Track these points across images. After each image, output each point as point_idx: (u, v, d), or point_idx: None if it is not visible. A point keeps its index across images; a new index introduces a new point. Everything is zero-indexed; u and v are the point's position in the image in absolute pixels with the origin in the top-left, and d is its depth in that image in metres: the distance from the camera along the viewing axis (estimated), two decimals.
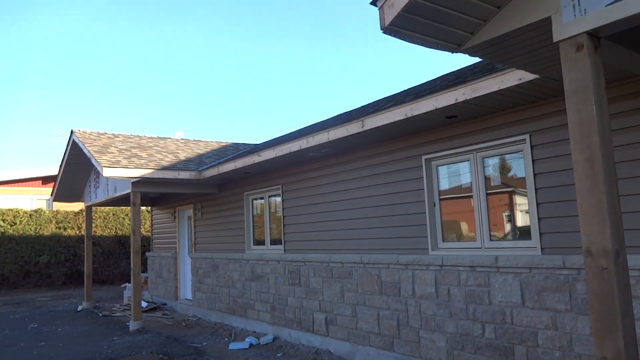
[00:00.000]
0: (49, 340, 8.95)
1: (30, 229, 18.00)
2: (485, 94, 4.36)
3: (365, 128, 5.60)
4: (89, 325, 10.45)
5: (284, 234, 8.20)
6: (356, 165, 6.77)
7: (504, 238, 5.09)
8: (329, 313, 7.06)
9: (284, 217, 8.21)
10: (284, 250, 8.16)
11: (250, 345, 7.88)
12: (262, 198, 9.11)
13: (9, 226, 17.62)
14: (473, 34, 3.00)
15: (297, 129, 10.10)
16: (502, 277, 4.85)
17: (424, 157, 5.78)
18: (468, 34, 3.01)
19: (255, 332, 8.70)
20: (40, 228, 18.26)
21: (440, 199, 5.70)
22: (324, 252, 7.26)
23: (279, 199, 8.48)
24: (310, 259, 7.44)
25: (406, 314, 5.84)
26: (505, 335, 4.79)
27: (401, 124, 5.37)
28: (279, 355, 7.19)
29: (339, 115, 8.82)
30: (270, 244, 8.75)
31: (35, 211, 18.72)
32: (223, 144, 12.78)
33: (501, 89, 4.23)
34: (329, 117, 9.47)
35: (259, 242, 9.14)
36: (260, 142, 12.22)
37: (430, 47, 3.18)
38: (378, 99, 8.27)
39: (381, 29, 2.86)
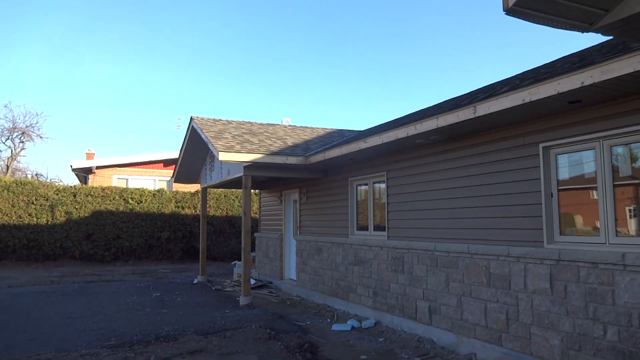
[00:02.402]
0: (170, 308, 9.86)
1: (153, 207, 19.83)
2: (618, 77, 3.99)
3: (478, 114, 5.40)
4: (203, 297, 11.32)
5: (387, 220, 8.21)
6: (465, 152, 6.56)
7: (634, 234, 4.66)
8: (432, 302, 6.98)
9: (388, 203, 8.22)
10: (388, 236, 8.18)
11: (352, 327, 8.04)
12: (366, 184, 9.18)
13: (136, 204, 19.56)
14: (608, 11, 2.77)
15: (401, 116, 9.99)
16: (629, 277, 4.46)
17: (541, 145, 5.45)
18: (602, 12, 2.78)
19: (357, 315, 8.86)
20: (162, 207, 20.03)
21: (558, 190, 5.35)
22: (428, 240, 7.17)
23: (383, 186, 8.49)
24: (414, 247, 7.38)
25: (516, 308, 5.60)
26: (631, 339, 4.41)
27: (517, 110, 5.10)
28: (381, 340, 7.26)
29: (446, 101, 8.58)
30: (374, 230, 8.81)
31: (158, 191, 20.56)
32: (328, 130, 13.03)
33: (637, 71, 3.84)
34: (435, 104, 9.25)
35: (363, 227, 9.24)
36: (364, 129, 12.26)
37: (557, 27, 2.99)
38: (487, 84, 7.91)
39: (504, 11, 2.74)
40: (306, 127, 13.39)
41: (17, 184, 18.59)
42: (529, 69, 6.99)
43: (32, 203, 18.23)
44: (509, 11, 2.74)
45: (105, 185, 21.42)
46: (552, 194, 5.39)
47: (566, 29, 2.97)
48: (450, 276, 6.65)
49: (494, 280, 5.93)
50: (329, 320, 8.78)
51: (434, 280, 6.97)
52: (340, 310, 9.43)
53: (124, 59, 59.26)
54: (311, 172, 10.51)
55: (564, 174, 5.34)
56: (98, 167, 24.19)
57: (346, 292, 9.34)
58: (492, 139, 6.12)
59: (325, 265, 10.21)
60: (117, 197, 19.44)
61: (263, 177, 12.42)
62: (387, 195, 8.23)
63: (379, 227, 8.68)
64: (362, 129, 12.55)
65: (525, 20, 2.86)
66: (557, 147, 5.35)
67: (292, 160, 9.68)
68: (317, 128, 13.34)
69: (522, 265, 5.55)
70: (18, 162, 34.84)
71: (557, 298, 5.12)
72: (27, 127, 33.19)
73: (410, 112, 9.86)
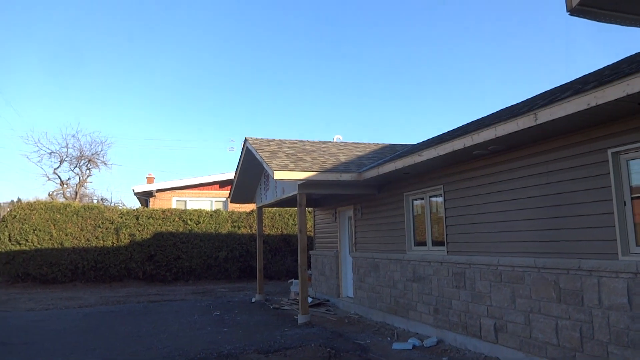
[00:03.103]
0: (230, 327, 9.99)
1: (211, 227, 20.34)
2: None
3: (539, 121, 5.19)
4: (262, 315, 11.41)
5: (446, 235, 8.00)
6: (526, 162, 6.31)
7: None
8: (497, 319, 6.69)
9: (446, 217, 8.01)
10: (447, 251, 7.96)
11: (414, 346, 7.83)
12: (422, 198, 9.01)
13: (194, 225, 20.14)
14: None
15: (455, 127, 9.78)
16: None
17: (610, 151, 5.15)
18: None
19: (417, 333, 8.63)
20: (219, 227, 20.51)
21: (632, 198, 5.02)
22: (490, 254, 6.91)
23: (440, 199, 8.30)
24: (476, 262, 7.13)
25: (590, 325, 5.26)
26: None
27: (582, 115, 4.86)
28: (444, 359, 7.02)
29: (501, 110, 8.32)
30: (432, 245, 8.60)
31: (215, 212, 21.10)
32: (380, 146, 12.95)
33: None
34: (490, 113, 8.99)
35: (420, 243, 9.05)
36: (417, 142, 12.10)
37: (624, 25, 2.84)
38: (546, 90, 7.60)
39: (567, 11, 2.63)
40: (358, 143, 13.38)
41: (84, 208, 19.64)
42: (588, 72, 6.68)
43: (99, 226, 19.16)
44: (573, 11, 2.63)
45: (165, 207, 22.23)
46: (624, 202, 5.07)
47: (636, 25, 2.81)
48: (516, 292, 6.35)
49: (564, 296, 5.61)
50: (388, 338, 8.60)
51: (498, 296, 6.69)
52: (400, 328, 9.22)
53: (180, 85, 61.87)
54: (365, 188, 10.44)
55: (638, 180, 5.01)
56: (158, 191, 25.16)
57: (405, 309, 9.14)
58: (555, 147, 5.86)
59: (383, 282, 10.05)
60: (176, 219, 20.10)
61: (317, 195, 12.47)
62: (445, 209, 8.03)
63: (437, 242, 8.47)
64: (415, 143, 12.39)
65: (591, 19, 2.74)
66: (628, 153, 5.05)
67: (345, 176, 9.67)
68: (369, 144, 13.30)
69: (595, 279, 5.23)
70: (85, 188, 36.84)
71: (637, 314, 4.77)
72: (92, 154, 35.11)
73: (462, 124, 9.64)
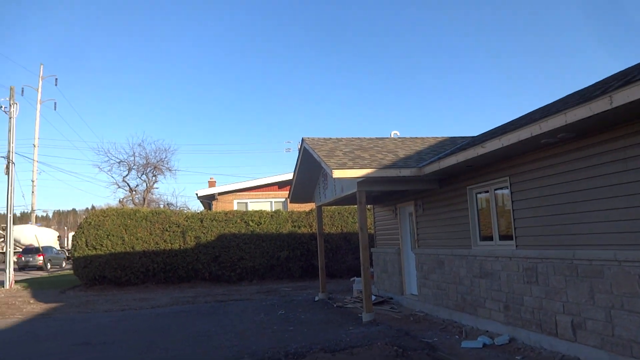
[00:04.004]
0: (295, 325, 10.08)
1: (272, 228, 20.67)
2: None
3: (615, 104, 4.84)
4: (325, 314, 11.45)
5: (514, 228, 7.66)
6: (601, 148, 5.92)
7: None
8: (575, 316, 6.32)
9: (513, 210, 7.67)
10: (516, 245, 7.62)
11: (484, 344, 7.56)
12: (486, 191, 8.69)
13: (256, 226, 20.54)
14: None
15: (522, 115, 9.35)
16: None
17: None
18: None
19: (487, 331, 8.33)
20: (280, 227, 20.80)
21: None
22: (564, 247, 6.54)
23: (506, 192, 7.97)
24: (548, 256, 6.78)
25: None
26: None
27: None
28: (518, 358, 6.73)
29: (569, 95, 7.86)
30: (499, 240, 8.28)
31: (275, 212, 21.43)
32: (439, 139, 12.64)
33: None
34: (552, 101, 8.52)
35: (486, 237, 8.73)
36: (477, 134, 11.69)
37: None
38: (618, 71, 7.09)
39: None
40: (416, 137, 13.12)
41: (152, 213, 20.53)
42: None
43: (167, 230, 19.96)
44: None
45: (227, 209, 22.83)
46: None
47: None
48: (595, 287, 5.98)
49: None
50: (457, 336, 8.36)
51: (574, 292, 6.32)
52: (468, 325, 8.95)
53: (237, 91, 63.36)
54: (426, 183, 10.21)
55: None
56: (220, 194, 25.91)
57: (473, 306, 8.85)
58: (634, 131, 5.45)
59: (449, 278, 9.79)
60: (238, 220, 20.58)
61: (376, 192, 12.34)
62: (512, 202, 7.69)
63: (504, 237, 8.13)
64: (475, 135, 11.98)
65: None
66: None
67: (405, 172, 9.50)
68: (428, 138, 13.00)
69: None
70: (152, 193, 38.56)
71: None
72: (158, 161, 36.67)
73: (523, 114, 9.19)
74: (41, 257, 35.18)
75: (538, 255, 7.00)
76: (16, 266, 35.42)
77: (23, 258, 35.32)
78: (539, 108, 8.76)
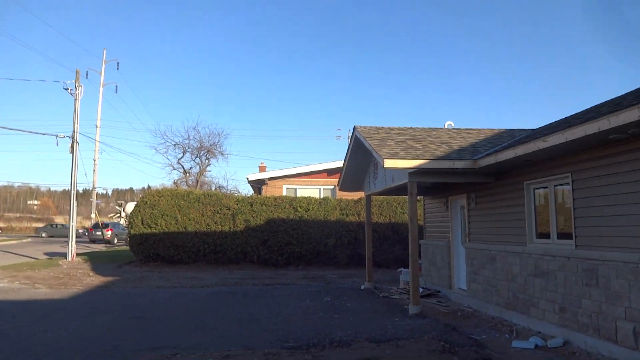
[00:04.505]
0: (341, 313, 10.11)
1: (320, 214, 20.76)
2: None
3: None
4: (371, 303, 11.41)
5: (574, 227, 7.30)
6: None
7: None
8: (637, 323, 5.97)
9: (574, 208, 7.31)
10: (575, 245, 7.27)
11: (536, 346, 7.30)
12: (545, 187, 8.32)
13: (304, 212, 20.69)
14: None
15: (586, 108, 8.84)
16: None
17: None
18: None
19: (540, 332, 8.03)
20: (327, 214, 20.86)
21: None
22: (629, 250, 6.17)
23: (567, 188, 7.60)
24: (611, 258, 6.42)
25: None
26: None
27: None
28: None
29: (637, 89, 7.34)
30: (557, 238, 7.92)
31: (323, 199, 21.50)
32: (496, 131, 12.20)
33: None
34: (625, 93, 7.99)
35: (543, 235, 8.38)
36: (537, 127, 11.19)
37: None
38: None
39: None
40: (471, 129, 12.73)
41: (205, 196, 21.08)
42: None
43: (217, 212, 20.46)
44: None
45: (276, 194, 23.12)
46: None
47: None
48: None
49: None
50: (507, 335, 8.12)
51: (638, 297, 5.96)
52: (519, 325, 8.66)
53: (290, 77, 63.73)
54: (480, 176, 9.90)
55: None
56: (270, 179, 26.25)
57: (526, 305, 8.55)
58: None
59: (500, 275, 9.50)
60: (287, 206, 20.80)
61: (427, 183, 12.11)
62: (574, 200, 7.32)
63: (563, 235, 7.77)
64: (535, 128, 11.48)
65: None
66: None
67: (459, 164, 9.24)
68: (484, 129, 12.58)
69: None
70: (204, 176, 39.64)
71: None
72: (211, 145, 37.59)
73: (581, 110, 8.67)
74: (109, 232, 38.82)
75: (599, 257, 6.65)
76: (88, 239, 39.25)
77: (94, 232, 39.24)
78: (607, 101, 8.26)
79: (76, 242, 24.64)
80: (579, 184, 7.25)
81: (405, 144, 10.59)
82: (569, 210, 7.53)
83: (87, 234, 42.26)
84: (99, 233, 38.68)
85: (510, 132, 11.95)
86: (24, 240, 43.40)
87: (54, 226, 57.37)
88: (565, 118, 9.19)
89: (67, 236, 24.43)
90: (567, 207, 7.62)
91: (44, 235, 53.23)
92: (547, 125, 10.25)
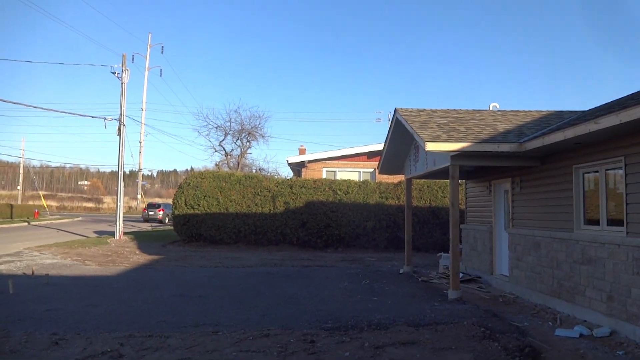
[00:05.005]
0: (379, 296, 10.10)
1: (359, 197, 20.70)
2: None
3: None
4: (410, 287, 11.34)
5: (626, 214, 6.97)
6: None
7: None
8: None
9: (627, 194, 6.96)
10: (627, 232, 6.95)
11: (581, 334, 7.07)
12: (595, 171, 7.97)
13: (343, 195, 20.68)
14: None
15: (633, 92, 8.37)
16: None
17: None
18: None
19: (585, 321, 7.78)
20: (367, 197, 20.77)
21: None
22: None
23: (620, 172, 7.24)
24: None
25: None
26: None
27: None
28: (620, 353, 6.22)
29: None
30: (607, 225, 7.59)
31: (363, 182, 21.41)
32: (544, 113, 11.73)
33: None
34: None
35: (591, 221, 8.05)
36: (588, 109, 10.70)
37: None
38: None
39: None
40: (518, 111, 12.29)
41: (245, 178, 21.39)
42: None
43: (258, 194, 20.73)
44: None
45: (316, 177, 23.18)
46: None
47: None
48: None
49: None
50: (550, 323, 7.90)
51: None
52: (564, 313, 8.41)
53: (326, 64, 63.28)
54: (525, 159, 9.58)
55: None
56: (309, 162, 26.33)
57: (571, 293, 8.28)
58: None
59: (544, 262, 9.22)
60: (326, 189, 20.83)
61: (469, 167, 11.84)
62: (626, 185, 6.98)
63: (613, 222, 7.44)
64: (585, 110, 10.98)
65: None
66: None
67: (504, 147, 8.96)
68: (531, 111, 12.12)
69: None
70: (245, 158, 40.17)
71: None
72: (252, 128, 37.98)
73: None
74: (161, 212, 41.26)
75: None
76: (142, 218, 40.78)
77: (147, 212, 41.71)
78: None
79: (123, 220, 25.57)
80: (632, 168, 6.89)
81: (448, 126, 10.35)
82: (620, 196, 7.19)
83: (142, 214, 44.42)
84: (152, 213, 40.90)
85: (559, 114, 11.48)
86: (76, 219, 45.43)
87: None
88: (619, 99, 8.74)
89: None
90: (619, 193, 7.27)
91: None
92: (598, 106, 9.78)
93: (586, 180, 8.30)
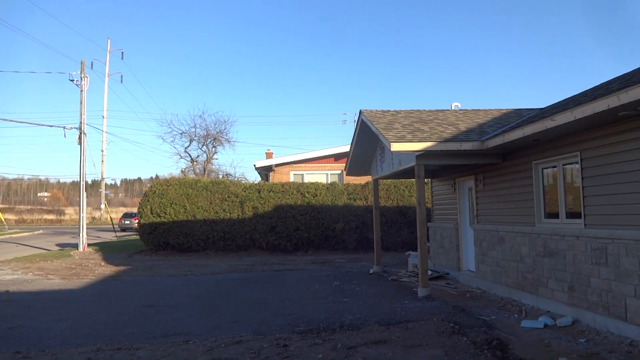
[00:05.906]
0: (350, 297, 10.17)
1: (327, 200, 20.78)
2: None
3: None
4: (380, 287, 11.46)
5: (583, 206, 7.26)
6: None
7: None
8: None
9: (583, 187, 7.25)
10: (584, 224, 7.23)
11: (545, 325, 7.32)
12: (554, 166, 8.26)
13: (312, 197, 20.72)
14: None
15: (590, 87, 8.73)
16: None
17: None
18: None
19: (549, 311, 8.05)
20: (335, 199, 20.88)
21: None
22: (639, 228, 6.13)
23: (576, 167, 7.54)
24: (620, 236, 6.39)
25: None
26: None
27: None
28: (582, 341, 6.46)
29: None
30: (566, 218, 7.88)
31: (331, 184, 21.50)
32: (504, 111, 12.08)
33: None
34: (633, 69, 7.88)
35: (552, 215, 8.34)
36: (546, 106, 11.08)
37: None
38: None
39: None
40: (479, 109, 12.62)
41: (212, 183, 21.16)
42: None
43: (225, 200, 20.54)
44: None
45: (283, 181, 23.15)
46: None
47: None
48: None
49: None
50: (516, 315, 8.14)
51: None
52: (528, 305, 8.68)
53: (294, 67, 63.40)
54: (488, 157, 9.84)
55: None
56: (277, 165, 26.27)
57: (535, 285, 8.55)
58: None
59: (509, 256, 9.49)
60: (294, 192, 20.83)
61: (434, 166, 12.06)
62: (582, 179, 7.27)
63: (572, 214, 7.74)
64: (543, 107, 11.37)
65: None
66: None
67: (467, 145, 9.18)
68: (491, 110, 12.46)
69: None
70: (212, 164, 39.74)
71: None
72: (217, 133, 37.61)
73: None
74: (136, 221, 39.67)
75: (609, 236, 6.62)
76: (118, 228, 39.92)
77: (123, 221, 41.08)
78: (616, 78, 8.15)
79: (87, 231, 24.86)
80: (588, 163, 7.19)
81: (412, 126, 10.53)
82: (577, 190, 7.48)
83: (117, 223, 43.29)
84: (127, 222, 40.52)
85: (518, 112, 11.84)
86: (36, 232, 43.90)
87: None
88: (574, 96, 9.09)
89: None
90: (576, 187, 7.56)
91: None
92: (555, 103, 10.15)
93: (545, 176, 8.59)
